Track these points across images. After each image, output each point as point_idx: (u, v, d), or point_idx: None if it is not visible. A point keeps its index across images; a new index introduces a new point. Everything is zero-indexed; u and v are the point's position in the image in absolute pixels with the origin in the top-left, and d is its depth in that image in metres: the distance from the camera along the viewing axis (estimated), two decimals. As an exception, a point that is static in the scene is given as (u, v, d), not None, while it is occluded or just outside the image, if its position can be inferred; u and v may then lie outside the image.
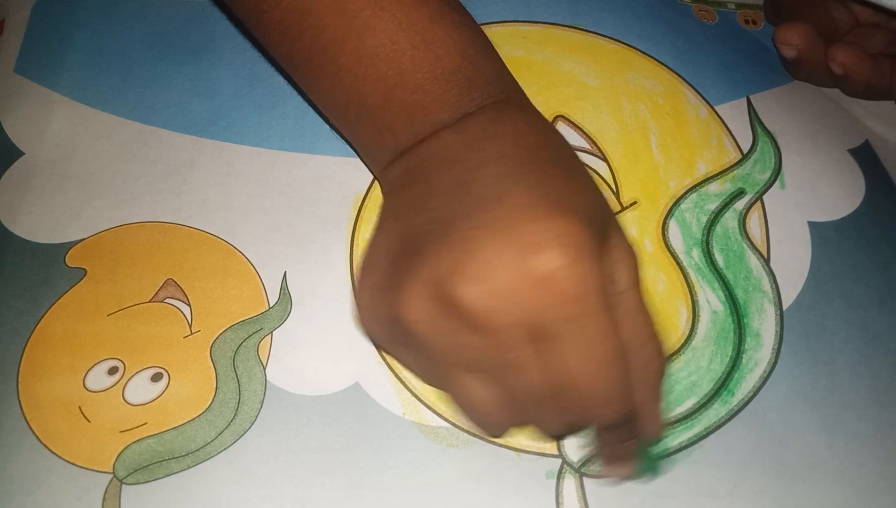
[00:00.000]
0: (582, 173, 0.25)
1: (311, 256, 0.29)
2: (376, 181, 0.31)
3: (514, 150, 0.25)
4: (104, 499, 0.24)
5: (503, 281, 0.22)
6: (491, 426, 0.26)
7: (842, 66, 0.35)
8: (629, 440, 0.26)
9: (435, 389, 0.28)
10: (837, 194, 0.33)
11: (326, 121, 0.32)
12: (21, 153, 0.31)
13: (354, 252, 0.30)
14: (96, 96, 0.32)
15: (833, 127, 0.35)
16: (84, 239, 0.29)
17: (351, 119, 0.28)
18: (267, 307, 0.28)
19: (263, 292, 0.29)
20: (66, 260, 0.28)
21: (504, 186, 0.23)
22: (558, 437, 0.27)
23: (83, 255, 0.29)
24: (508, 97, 0.27)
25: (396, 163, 0.27)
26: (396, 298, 0.23)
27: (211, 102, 0.33)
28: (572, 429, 0.27)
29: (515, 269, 0.21)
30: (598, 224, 0.23)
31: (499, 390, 0.24)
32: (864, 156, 0.34)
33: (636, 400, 0.24)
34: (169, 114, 0.32)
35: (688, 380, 0.28)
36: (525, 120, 0.26)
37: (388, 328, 0.25)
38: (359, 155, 0.31)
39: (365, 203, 0.31)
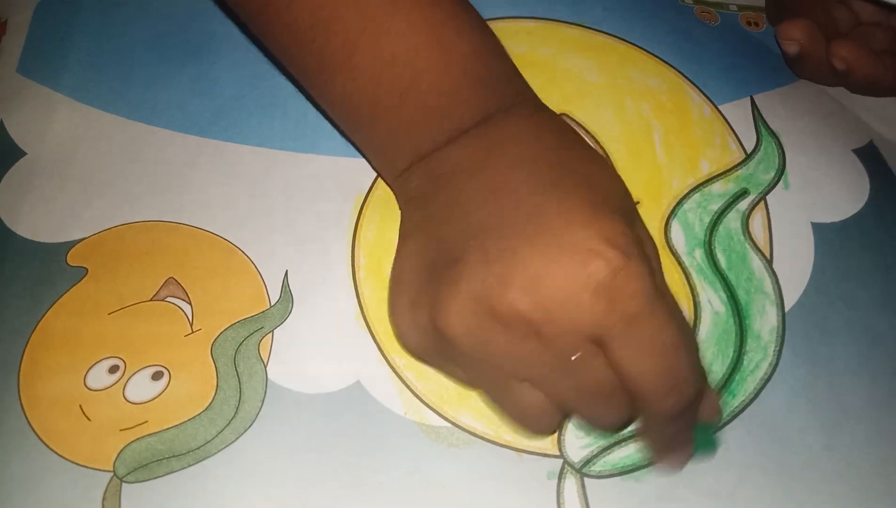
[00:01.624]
0: (604, 166, 0.25)
1: (313, 255, 0.29)
2: (379, 181, 0.31)
3: (539, 152, 0.25)
4: (104, 498, 0.24)
5: (559, 290, 0.21)
6: (542, 429, 0.26)
7: (844, 61, 0.35)
8: (686, 425, 0.26)
9: (445, 391, 0.28)
10: (842, 195, 0.33)
11: (333, 124, 0.32)
12: (23, 153, 0.31)
13: (356, 251, 0.30)
14: (98, 97, 0.32)
15: (838, 127, 0.35)
16: (85, 238, 0.29)
17: (364, 122, 0.27)
18: (268, 306, 0.28)
19: (265, 291, 0.29)
20: (68, 259, 0.28)
21: (538, 193, 0.23)
22: (611, 430, 0.27)
23: (84, 254, 0.29)
24: (524, 98, 0.27)
25: (415, 169, 0.27)
26: (439, 313, 0.23)
27: (212, 102, 0.33)
28: (629, 421, 0.27)
29: (571, 277, 0.21)
30: (629, 216, 0.23)
31: (553, 393, 0.24)
32: (869, 156, 0.34)
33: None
34: (170, 114, 0.32)
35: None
36: (542, 120, 0.26)
37: (430, 343, 0.24)
38: (371, 163, 0.31)
39: (366, 203, 0.31)
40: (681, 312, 0.24)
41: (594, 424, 0.26)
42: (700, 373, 0.25)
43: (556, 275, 0.22)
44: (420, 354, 0.26)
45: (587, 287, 0.21)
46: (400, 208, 0.28)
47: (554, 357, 0.22)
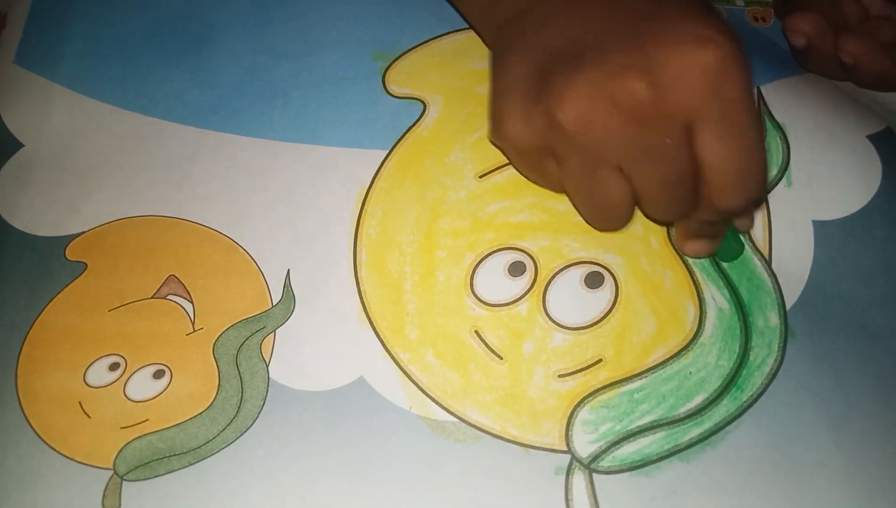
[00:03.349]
0: None
1: (315, 253, 0.29)
2: (381, 172, 0.31)
3: None
4: (104, 495, 0.24)
5: (672, 71, 0.24)
6: (618, 220, 0.29)
7: (852, 55, 0.35)
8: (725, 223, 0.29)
9: (449, 385, 0.27)
10: (848, 188, 0.33)
11: None
12: (21, 145, 0.31)
13: (357, 249, 0.29)
14: (96, 87, 0.32)
15: (851, 113, 0.34)
16: (84, 232, 0.29)
17: None
18: (270, 306, 0.28)
19: (266, 290, 0.28)
20: (67, 254, 0.28)
21: (653, 3, 0.26)
22: (667, 221, 0.30)
23: (84, 248, 0.28)
24: None
25: None
26: (557, 99, 0.25)
27: (212, 92, 0.32)
28: (688, 215, 0.28)
29: (684, 59, 0.24)
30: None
31: (638, 178, 0.26)
32: (885, 141, 0.34)
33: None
34: (169, 104, 0.32)
35: (697, 376, 0.28)
36: None
37: (537, 136, 0.26)
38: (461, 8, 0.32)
39: (368, 196, 0.30)
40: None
41: (656, 215, 0.29)
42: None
43: (672, 58, 0.24)
44: (523, 149, 0.28)
45: (697, 67, 0.24)
46: (491, 37, 0.31)
47: (652, 140, 0.25)
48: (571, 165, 0.27)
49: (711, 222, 0.28)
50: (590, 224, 0.29)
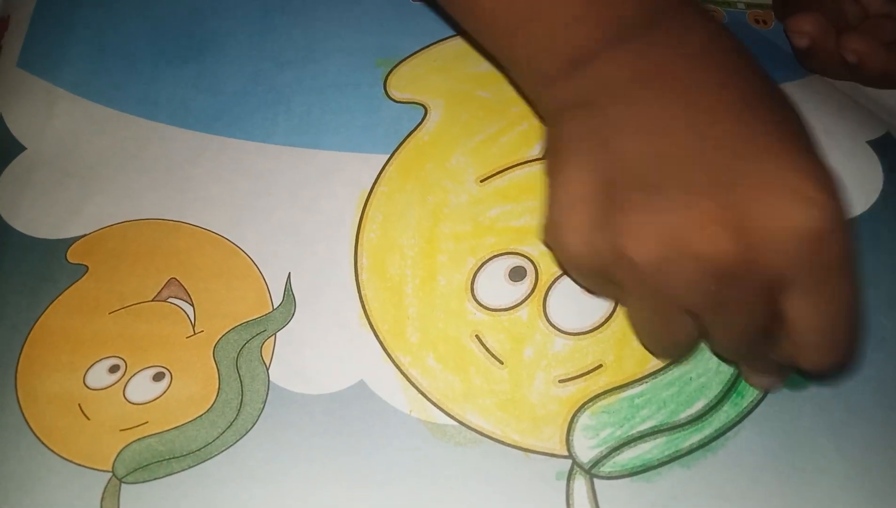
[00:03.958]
0: (780, 89, 0.25)
1: (316, 256, 0.29)
2: (383, 177, 0.31)
3: (726, 67, 0.24)
4: (103, 498, 0.24)
5: (765, 233, 0.21)
6: (679, 354, 0.27)
7: (855, 53, 0.35)
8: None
9: (450, 389, 0.27)
10: (851, 192, 0.32)
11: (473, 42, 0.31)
12: (23, 148, 0.31)
13: (358, 252, 0.29)
14: (99, 91, 0.32)
15: (851, 119, 0.34)
16: (86, 235, 0.29)
17: (518, 21, 0.26)
18: (271, 309, 0.28)
19: (267, 294, 0.28)
20: (68, 256, 0.28)
21: (738, 120, 0.22)
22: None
23: (85, 251, 0.28)
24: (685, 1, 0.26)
25: (577, 74, 0.25)
26: (630, 240, 0.22)
27: (214, 97, 0.32)
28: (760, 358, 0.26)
29: (780, 221, 0.21)
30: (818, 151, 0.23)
31: (712, 328, 0.24)
32: (885, 147, 0.34)
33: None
34: (172, 109, 0.32)
35: (697, 381, 0.28)
36: (715, 29, 0.25)
37: (601, 265, 0.24)
38: (511, 72, 0.30)
39: (370, 200, 0.30)
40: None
41: (725, 355, 0.27)
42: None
43: (767, 217, 0.21)
44: (582, 268, 0.25)
45: (796, 232, 0.21)
46: (547, 119, 0.27)
47: (734, 298, 0.22)
48: (635, 298, 0.25)
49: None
50: (647, 349, 0.28)
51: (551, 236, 0.25)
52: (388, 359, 0.28)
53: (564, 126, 0.25)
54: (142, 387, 0.26)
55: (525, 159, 0.31)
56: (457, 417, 0.27)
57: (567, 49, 0.25)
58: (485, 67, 0.32)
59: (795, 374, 0.27)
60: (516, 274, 0.29)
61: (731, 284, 0.22)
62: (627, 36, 0.25)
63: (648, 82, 0.24)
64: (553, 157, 0.25)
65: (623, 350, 0.28)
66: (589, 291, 0.28)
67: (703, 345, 0.28)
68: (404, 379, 0.27)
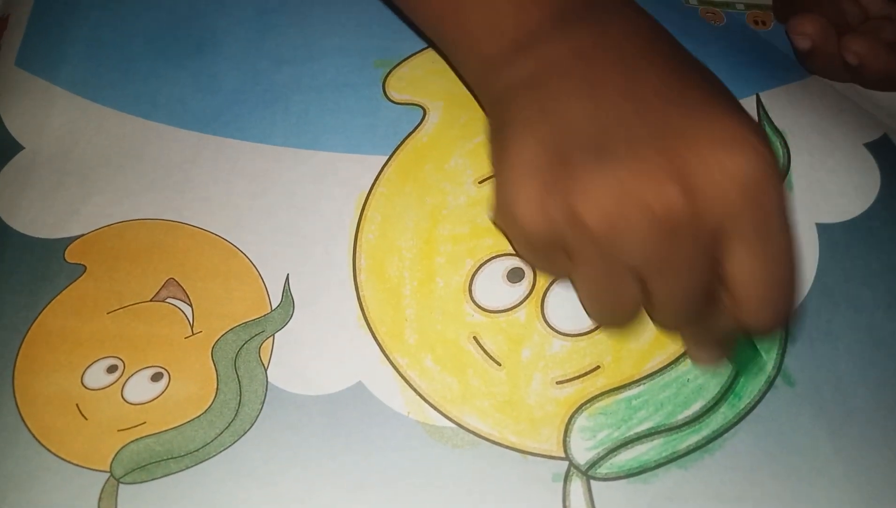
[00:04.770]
0: (695, 59, 0.26)
1: (314, 257, 0.29)
2: (381, 178, 0.31)
3: (660, 41, 0.26)
4: (100, 498, 0.24)
5: (710, 179, 0.22)
6: (623, 321, 0.27)
7: (857, 55, 0.35)
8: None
9: (448, 391, 0.27)
10: (849, 194, 0.33)
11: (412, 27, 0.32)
12: (21, 147, 0.31)
13: (357, 253, 0.29)
14: (97, 90, 0.32)
15: (848, 121, 0.35)
16: (84, 235, 0.29)
17: (464, 8, 0.27)
18: (269, 310, 0.28)
19: (266, 295, 0.28)
20: (66, 256, 0.28)
21: (677, 81, 0.24)
22: (672, 329, 0.28)
23: (83, 251, 0.28)
24: None
25: (520, 56, 0.26)
26: (583, 200, 0.22)
27: (213, 97, 0.32)
28: (698, 324, 0.27)
29: (723, 168, 0.22)
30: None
31: (655, 287, 0.24)
32: (883, 149, 0.34)
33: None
34: (171, 109, 0.32)
35: (695, 383, 0.28)
36: (644, 14, 0.27)
37: (552, 229, 0.24)
38: (453, 56, 0.30)
39: (368, 202, 0.30)
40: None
41: (665, 321, 0.27)
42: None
43: (709, 164, 0.22)
44: (534, 238, 0.25)
45: (736, 175, 0.22)
46: (491, 103, 0.28)
47: (678, 249, 0.23)
48: (585, 262, 0.25)
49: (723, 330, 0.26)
50: (592, 319, 0.28)
51: (504, 213, 0.25)
52: (387, 360, 0.28)
53: (509, 106, 0.26)
54: (140, 387, 0.26)
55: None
56: (454, 419, 0.27)
57: (511, 33, 0.26)
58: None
59: (742, 344, 0.28)
60: (514, 275, 0.29)
61: (679, 237, 0.22)
62: (566, 19, 0.26)
63: (587, 56, 0.25)
64: (498, 136, 0.26)
65: (621, 352, 0.28)
66: (537, 268, 0.29)
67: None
68: (402, 381, 0.27)
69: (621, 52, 0.25)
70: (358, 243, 0.30)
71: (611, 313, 0.27)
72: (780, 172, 0.23)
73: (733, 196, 0.22)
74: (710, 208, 0.22)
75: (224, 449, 0.25)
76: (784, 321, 0.24)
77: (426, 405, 0.27)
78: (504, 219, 0.26)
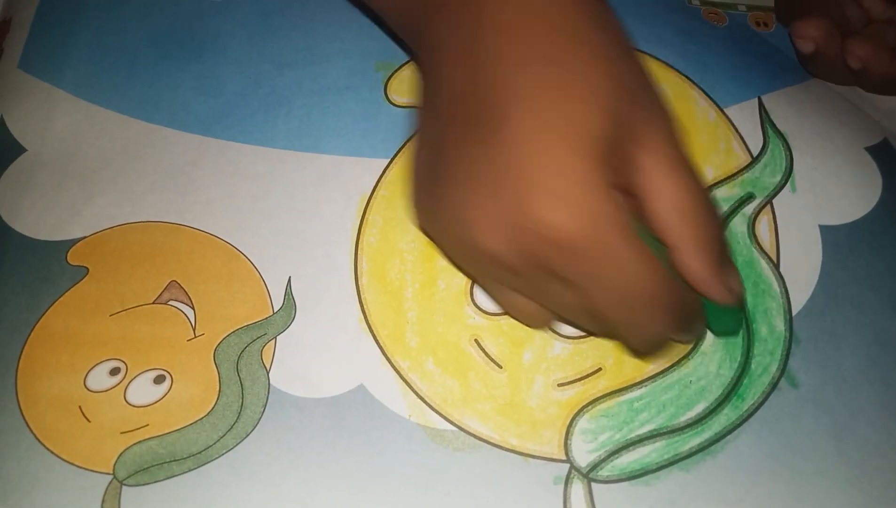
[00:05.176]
0: (603, 40, 0.23)
1: (316, 260, 0.29)
2: (382, 181, 0.31)
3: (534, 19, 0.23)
4: (103, 500, 0.24)
5: (510, 228, 0.22)
6: (536, 326, 0.28)
7: (860, 59, 0.35)
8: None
9: (450, 394, 0.27)
10: (851, 196, 0.33)
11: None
12: (23, 150, 0.31)
13: (358, 257, 0.29)
14: (100, 94, 0.32)
15: (849, 125, 0.35)
16: (86, 237, 0.29)
17: None
18: (271, 313, 0.28)
19: (268, 297, 0.28)
20: (68, 258, 0.28)
21: (513, 86, 0.22)
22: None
23: (85, 253, 0.28)
24: None
25: (417, 45, 0.27)
26: (427, 225, 0.26)
27: (215, 100, 0.32)
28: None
29: (514, 217, 0.22)
30: (617, 100, 0.22)
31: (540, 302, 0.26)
32: (883, 154, 0.34)
33: (696, 279, 0.24)
34: (173, 112, 0.32)
35: (697, 385, 0.28)
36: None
37: (521, 251, 0.23)
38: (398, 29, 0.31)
39: (370, 205, 0.30)
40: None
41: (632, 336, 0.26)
42: (709, 263, 0.24)
43: (502, 213, 0.22)
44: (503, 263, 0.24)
45: (530, 231, 0.21)
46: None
47: (529, 283, 0.24)
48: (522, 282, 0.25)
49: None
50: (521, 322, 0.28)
51: (445, 224, 0.25)
52: (388, 363, 0.28)
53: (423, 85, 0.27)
54: (142, 390, 0.26)
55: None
56: (455, 422, 0.27)
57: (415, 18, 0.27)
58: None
59: (711, 308, 0.26)
60: (516, 278, 0.29)
61: (512, 270, 0.23)
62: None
63: (445, 44, 0.24)
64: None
65: (622, 354, 0.28)
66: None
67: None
68: (404, 384, 0.27)
69: (478, 40, 0.24)
70: (359, 245, 0.30)
71: (515, 317, 0.28)
72: (588, 205, 0.21)
73: (536, 244, 0.22)
74: (522, 254, 0.22)
75: (226, 452, 0.25)
76: (675, 317, 0.24)
77: (427, 409, 0.27)
78: (436, 233, 0.27)
